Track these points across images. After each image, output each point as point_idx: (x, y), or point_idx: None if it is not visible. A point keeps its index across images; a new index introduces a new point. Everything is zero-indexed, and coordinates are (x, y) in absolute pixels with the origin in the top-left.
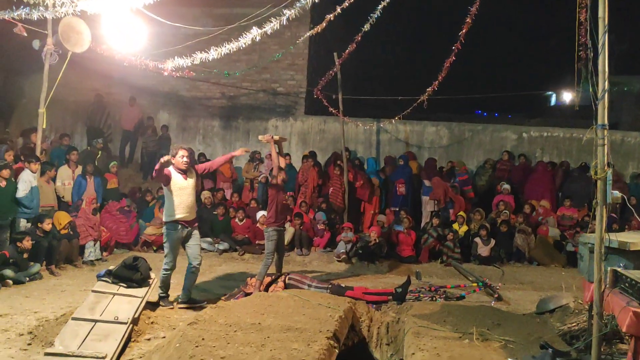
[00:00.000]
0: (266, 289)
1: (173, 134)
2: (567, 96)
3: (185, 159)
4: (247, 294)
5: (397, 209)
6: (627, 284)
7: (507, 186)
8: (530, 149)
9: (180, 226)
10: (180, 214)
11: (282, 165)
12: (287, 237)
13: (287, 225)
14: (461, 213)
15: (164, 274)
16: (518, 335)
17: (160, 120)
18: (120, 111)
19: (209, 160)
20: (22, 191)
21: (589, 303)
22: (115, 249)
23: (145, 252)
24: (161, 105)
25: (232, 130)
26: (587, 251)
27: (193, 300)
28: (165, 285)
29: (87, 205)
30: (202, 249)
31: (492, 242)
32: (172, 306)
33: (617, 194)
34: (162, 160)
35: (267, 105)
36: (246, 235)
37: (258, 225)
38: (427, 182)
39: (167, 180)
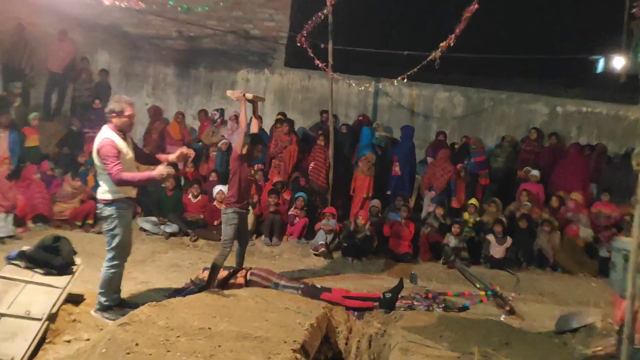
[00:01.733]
0: (222, 286)
1: (114, 80)
2: (620, 62)
3: (133, 119)
4: (199, 289)
5: (390, 193)
6: None
7: (535, 172)
8: (565, 127)
9: (130, 204)
10: (129, 190)
11: (255, 130)
12: (250, 219)
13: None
14: (473, 201)
15: (111, 272)
16: (530, 359)
17: (98, 63)
18: (47, 48)
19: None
20: None
21: (620, 323)
22: (32, 225)
23: (68, 231)
24: (100, 43)
25: (190, 81)
26: (622, 259)
27: (126, 304)
28: (109, 288)
29: None
30: (145, 230)
31: (509, 241)
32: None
33: None
34: (161, 173)
35: (237, 52)
36: (201, 216)
37: (215, 203)
38: (431, 161)
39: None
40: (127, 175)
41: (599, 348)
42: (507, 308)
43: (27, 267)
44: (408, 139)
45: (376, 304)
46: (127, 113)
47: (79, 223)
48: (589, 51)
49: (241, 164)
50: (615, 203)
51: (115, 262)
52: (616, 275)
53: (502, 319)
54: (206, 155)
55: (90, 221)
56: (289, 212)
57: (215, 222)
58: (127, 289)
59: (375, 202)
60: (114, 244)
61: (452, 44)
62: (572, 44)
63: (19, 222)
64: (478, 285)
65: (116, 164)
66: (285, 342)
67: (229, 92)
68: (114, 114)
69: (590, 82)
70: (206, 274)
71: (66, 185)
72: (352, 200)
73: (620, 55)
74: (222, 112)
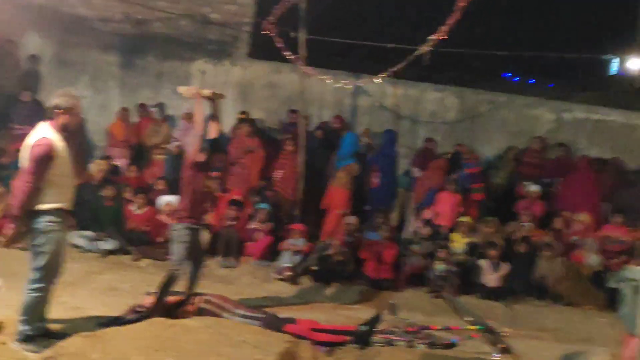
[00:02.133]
0: (168, 314)
1: (45, 68)
2: (636, 64)
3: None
4: (140, 317)
5: (369, 208)
6: None
7: (535, 188)
8: (574, 137)
9: (64, 217)
10: (65, 200)
11: (214, 134)
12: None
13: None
14: (465, 218)
15: (36, 296)
16: None
17: (28, 47)
18: None
19: None
20: None
21: None
22: None
23: None
24: (30, 23)
25: (136, 72)
26: (631, 291)
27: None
28: (33, 315)
29: None
30: (77, 247)
31: (505, 267)
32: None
33: None
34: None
35: (193, 39)
36: (146, 231)
37: (163, 217)
38: (416, 172)
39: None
40: (25, 196)
41: None
42: (501, 346)
43: None
44: (390, 145)
45: (349, 338)
46: (76, 111)
47: (1, 238)
48: (601, 50)
49: (196, 173)
50: (628, 226)
51: (41, 284)
52: (626, 309)
53: (494, 357)
54: (149, 159)
55: None
56: (251, 227)
57: (163, 239)
58: (55, 316)
59: (352, 220)
60: (41, 263)
61: (444, 38)
62: (582, 41)
63: None
64: (467, 319)
65: (37, 173)
66: None
67: (181, 89)
68: (60, 111)
69: (603, 85)
70: (150, 299)
71: None
72: (326, 216)
73: (636, 56)
74: (162, 107)
